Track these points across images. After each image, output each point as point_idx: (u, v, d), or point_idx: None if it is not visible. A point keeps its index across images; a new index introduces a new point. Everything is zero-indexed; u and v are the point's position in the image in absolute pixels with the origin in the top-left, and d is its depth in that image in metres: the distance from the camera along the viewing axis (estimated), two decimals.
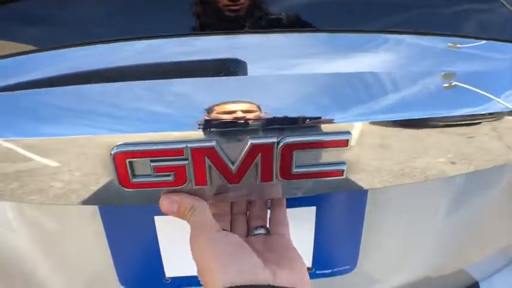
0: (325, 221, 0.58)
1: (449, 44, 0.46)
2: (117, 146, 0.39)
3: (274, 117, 0.39)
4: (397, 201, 0.60)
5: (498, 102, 0.43)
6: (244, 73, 0.41)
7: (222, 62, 0.42)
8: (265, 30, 0.44)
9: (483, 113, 0.43)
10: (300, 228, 0.57)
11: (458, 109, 0.42)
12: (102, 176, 0.41)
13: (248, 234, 0.49)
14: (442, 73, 0.43)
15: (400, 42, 0.45)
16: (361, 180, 0.44)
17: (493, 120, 0.44)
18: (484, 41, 0.46)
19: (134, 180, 0.41)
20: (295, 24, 0.46)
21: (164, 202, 0.43)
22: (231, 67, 0.42)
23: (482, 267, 0.76)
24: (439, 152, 0.45)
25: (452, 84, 0.42)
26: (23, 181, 0.41)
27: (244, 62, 0.42)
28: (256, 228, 0.49)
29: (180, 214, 0.43)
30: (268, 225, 0.49)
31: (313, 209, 0.56)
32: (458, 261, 0.72)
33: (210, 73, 0.41)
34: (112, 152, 0.39)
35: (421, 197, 0.60)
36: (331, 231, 0.60)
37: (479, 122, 0.43)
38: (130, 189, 0.42)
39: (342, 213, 0.60)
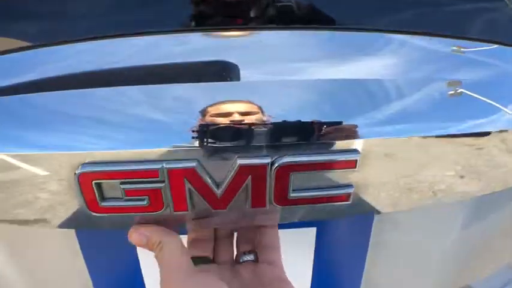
0: (327, 244, 0.52)
1: (456, 47, 0.40)
2: (82, 165, 0.34)
3: (268, 133, 0.33)
4: (404, 221, 0.54)
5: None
6: (236, 78, 0.36)
7: (210, 65, 0.37)
8: (264, 26, 0.39)
9: None
10: (298, 251, 0.52)
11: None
12: (69, 199, 0.36)
13: (236, 260, 0.43)
14: (460, 82, 0.37)
15: (411, 45, 0.40)
16: (370, 205, 0.38)
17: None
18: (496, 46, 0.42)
19: (103, 204, 0.36)
20: (304, 17, 0.40)
21: (133, 235, 0.38)
22: (219, 71, 0.36)
23: (486, 284, 0.71)
24: (458, 172, 0.39)
25: (475, 95, 0.37)
26: None
27: (236, 65, 0.36)
28: (244, 254, 0.43)
29: (149, 248, 0.38)
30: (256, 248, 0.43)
31: (314, 230, 0.50)
32: (463, 280, 0.68)
33: (194, 78, 0.35)
34: (76, 172, 0.34)
35: (431, 217, 0.55)
36: (332, 254, 0.54)
37: None
38: (100, 214, 0.36)
39: (346, 234, 0.54)
